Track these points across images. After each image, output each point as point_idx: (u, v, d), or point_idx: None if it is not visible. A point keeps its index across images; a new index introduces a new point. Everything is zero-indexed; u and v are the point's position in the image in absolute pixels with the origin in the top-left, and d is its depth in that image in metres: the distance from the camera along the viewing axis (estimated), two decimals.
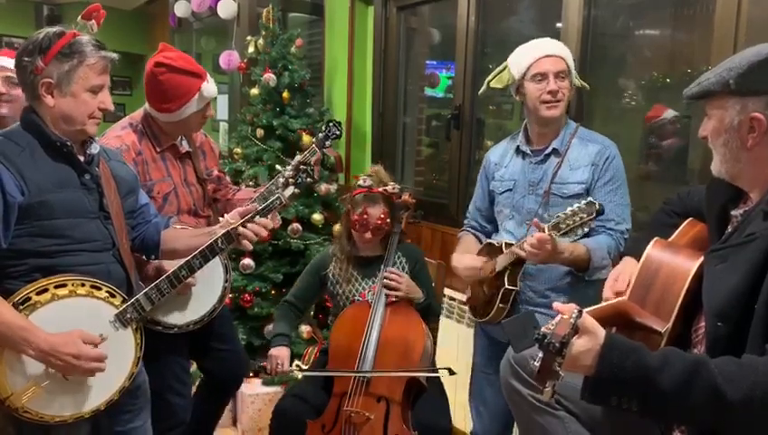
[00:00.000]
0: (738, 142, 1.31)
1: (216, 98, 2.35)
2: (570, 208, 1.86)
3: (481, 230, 2.43)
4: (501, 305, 2.15)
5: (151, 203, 2.10)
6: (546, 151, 2.19)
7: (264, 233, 1.92)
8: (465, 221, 2.51)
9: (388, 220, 2.48)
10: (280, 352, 2.41)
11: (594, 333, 1.23)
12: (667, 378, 1.18)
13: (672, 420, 1.39)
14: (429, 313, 2.55)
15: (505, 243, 2.17)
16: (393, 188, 2.51)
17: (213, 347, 2.51)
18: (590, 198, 1.85)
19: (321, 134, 2.81)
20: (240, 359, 2.70)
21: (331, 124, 2.81)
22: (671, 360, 1.21)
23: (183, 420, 2.44)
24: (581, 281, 2.14)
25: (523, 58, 2.17)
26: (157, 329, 2.15)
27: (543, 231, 1.89)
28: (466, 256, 2.30)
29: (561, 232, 1.86)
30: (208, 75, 2.33)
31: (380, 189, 2.49)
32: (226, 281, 2.31)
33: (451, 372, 2.28)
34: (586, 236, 2.09)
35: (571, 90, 2.17)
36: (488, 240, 2.33)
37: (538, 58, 2.13)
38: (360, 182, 2.53)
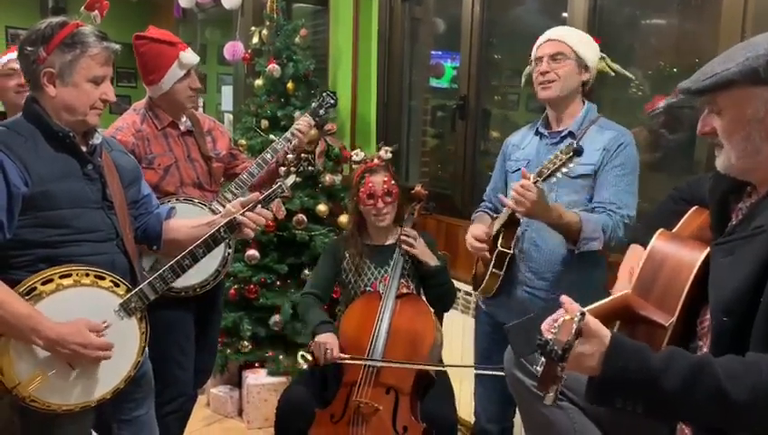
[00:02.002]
0: (763, 134, 1.24)
1: (197, 64, 2.43)
2: (551, 155, 1.88)
3: (496, 212, 2.41)
4: (494, 271, 2.14)
5: (153, 194, 2.11)
6: (562, 134, 2.19)
7: (264, 221, 1.93)
8: (482, 204, 2.50)
9: (393, 183, 2.49)
10: (328, 338, 2.33)
11: (598, 336, 1.22)
12: (672, 379, 1.17)
13: (678, 421, 1.38)
14: (447, 291, 2.56)
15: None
16: (386, 153, 2.54)
17: (202, 335, 2.54)
18: (570, 141, 1.87)
19: (314, 103, 2.78)
20: (216, 350, 2.81)
21: (324, 94, 2.79)
22: (675, 360, 1.19)
23: (184, 392, 2.47)
24: (581, 262, 2.14)
25: (534, 46, 2.23)
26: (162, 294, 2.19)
27: (528, 179, 1.89)
28: (476, 225, 2.29)
29: (543, 177, 1.87)
30: (188, 47, 2.42)
31: (375, 161, 2.54)
32: (229, 247, 2.38)
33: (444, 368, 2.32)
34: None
35: (580, 74, 2.16)
36: (495, 215, 2.33)
37: (541, 43, 2.19)
38: (354, 157, 2.57)
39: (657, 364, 1.19)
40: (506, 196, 2.35)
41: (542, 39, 2.20)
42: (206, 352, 2.63)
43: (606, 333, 1.23)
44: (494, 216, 2.40)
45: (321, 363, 2.32)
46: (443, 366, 2.42)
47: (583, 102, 2.24)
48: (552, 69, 2.13)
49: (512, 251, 2.13)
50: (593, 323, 1.23)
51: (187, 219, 2.12)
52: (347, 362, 2.31)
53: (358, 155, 2.56)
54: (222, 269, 2.39)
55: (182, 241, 1.99)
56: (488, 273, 2.15)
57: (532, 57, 2.22)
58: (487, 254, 2.19)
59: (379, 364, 2.30)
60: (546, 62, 2.14)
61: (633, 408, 1.21)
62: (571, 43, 2.15)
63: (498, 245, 2.12)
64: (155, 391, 2.20)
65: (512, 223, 2.11)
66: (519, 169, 2.25)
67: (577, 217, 2.01)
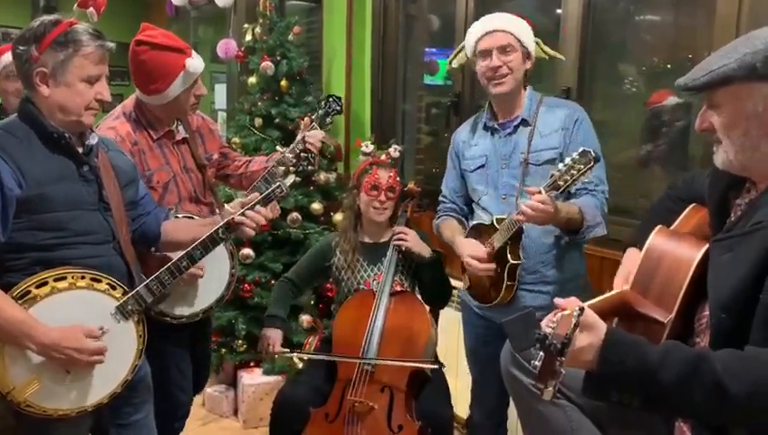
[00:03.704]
0: (761, 129, 1.24)
1: (202, 73, 2.28)
2: (562, 164, 1.82)
3: (460, 213, 2.36)
4: (509, 283, 2.10)
5: (151, 194, 2.08)
6: (515, 123, 2.16)
7: (263, 221, 1.90)
8: (441, 205, 2.42)
9: (398, 180, 2.49)
10: (272, 333, 2.41)
11: (595, 329, 1.22)
12: (668, 373, 1.17)
13: (675, 415, 1.39)
14: (444, 285, 2.56)
15: (496, 219, 2.11)
16: (395, 151, 2.52)
17: (197, 347, 2.49)
18: (582, 148, 1.80)
19: (320, 111, 2.70)
20: (210, 359, 2.77)
21: (330, 100, 2.70)
22: (672, 355, 1.19)
23: (183, 415, 2.45)
24: (567, 250, 2.14)
25: (471, 36, 2.14)
26: (165, 320, 2.15)
27: (540, 193, 1.84)
28: (470, 243, 2.20)
29: (561, 189, 1.83)
30: (193, 51, 2.25)
31: (383, 157, 2.52)
32: (233, 268, 2.30)
33: (440, 365, 2.30)
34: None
35: (525, 62, 2.13)
36: (474, 222, 2.26)
37: (482, 35, 2.11)
38: (364, 149, 2.54)
39: (654, 358, 1.19)
40: (466, 194, 2.31)
41: (482, 30, 2.11)
42: (202, 363, 2.58)
43: (602, 327, 1.23)
44: (462, 220, 2.34)
45: (265, 356, 2.39)
46: (432, 363, 2.39)
47: (525, 88, 2.20)
48: (503, 63, 2.08)
49: (522, 260, 2.08)
50: (590, 315, 1.23)
51: (190, 217, 2.07)
52: (287, 355, 2.37)
53: (368, 147, 2.53)
54: (226, 293, 2.30)
55: (182, 242, 1.95)
56: (503, 287, 2.09)
57: (473, 50, 2.13)
58: (494, 267, 2.11)
59: (359, 361, 2.30)
60: (496, 56, 2.08)
61: (629, 402, 1.21)
62: (516, 33, 2.10)
63: (509, 259, 2.06)
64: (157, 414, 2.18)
65: (517, 235, 2.05)
66: (479, 166, 2.23)
67: (576, 208, 1.99)
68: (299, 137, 2.52)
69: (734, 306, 1.23)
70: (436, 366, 2.33)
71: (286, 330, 2.50)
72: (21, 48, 1.69)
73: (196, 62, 2.20)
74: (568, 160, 1.81)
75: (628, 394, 1.21)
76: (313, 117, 2.62)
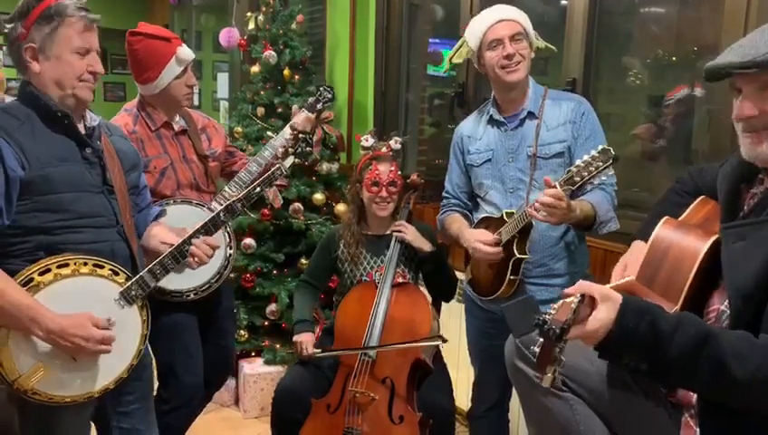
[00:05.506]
0: None
1: (192, 61, 2.36)
2: (580, 160, 1.80)
3: (465, 208, 2.36)
4: (512, 278, 2.09)
5: (148, 188, 2.09)
6: (521, 116, 2.15)
7: (210, 252, 1.94)
8: (444, 202, 2.41)
9: (399, 174, 2.48)
10: (303, 338, 2.42)
11: (612, 298, 1.23)
12: (677, 345, 1.19)
13: (676, 385, 1.41)
14: (446, 279, 2.55)
15: (506, 212, 2.10)
16: (396, 143, 2.52)
17: (210, 339, 2.49)
18: (602, 146, 1.79)
19: (311, 99, 2.71)
20: (229, 357, 2.72)
21: (321, 88, 2.72)
22: (683, 328, 1.21)
23: (190, 401, 2.42)
24: (574, 242, 2.14)
25: (477, 28, 2.14)
26: (165, 298, 2.17)
27: (555, 187, 1.82)
28: (477, 231, 2.19)
29: (577, 185, 1.81)
30: (184, 44, 2.37)
31: (383, 150, 2.51)
32: (230, 246, 2.33)
33: (443, 340, 2.30)
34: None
35: (531, 52, 2.14)
36: (484, 215, 2.24)
37: (491, 25, 2.11)
38: (363, 143, 2.54)
39: (665, 328, 1.21)
40: (470, 189, 2.30)
41: (490, 20, 2.12)
42: (220, 356, 2.55)
43: (617, 297, 1.24)
44: (468, 215, 2.33)
45: (304, 360, 2.42)
46: (435, 340, 2.38)
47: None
48: (516, 50, 2.08)
49: (528, 256, 2.07)
50: (602, 288, 1.24)
51: (165, 229, 2.05)
52: (324, 355, 2.38)
53: (368, 141, 2.52)
54: (224, 271, 2.32)
55: (153, 251, 1.95)
56: (506, 281, 2.08)
57: (479, 42, 2.13)
58: (501, 252, 2.09)
59: (361, 351, 2.31)
60: (509, 44, 2.08)
61: (637, 366, 1.24)
62: (522, 22, 2.12)
63: (516, 253, 2.04)
64: (162, 400, 2.19)
65: (526, 229, 2.03)
66: (486, 161, 2.21)
67: (589, 205, 1.98)
68: (286, 128, 2.59)
69: (756, 294, 1.23)
70: (437, 342, 2.33)
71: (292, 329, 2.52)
72: (8, 27, 1.70)
73: (185, 50, 2.32)
74: (586, 157, 1.79)
75: (636, 359, 1.23)
76: (304, 105, 2.65)
